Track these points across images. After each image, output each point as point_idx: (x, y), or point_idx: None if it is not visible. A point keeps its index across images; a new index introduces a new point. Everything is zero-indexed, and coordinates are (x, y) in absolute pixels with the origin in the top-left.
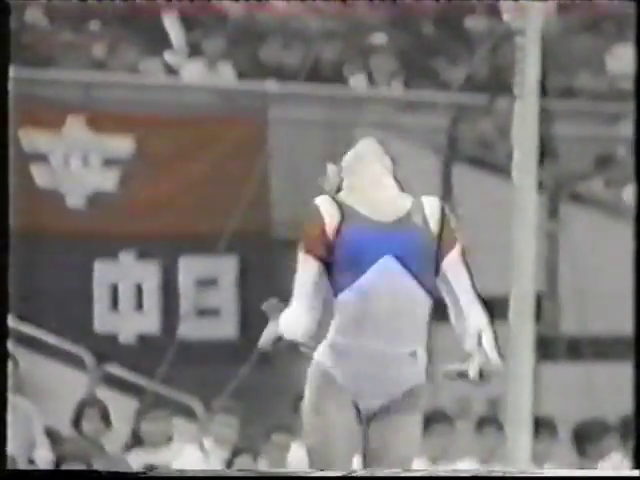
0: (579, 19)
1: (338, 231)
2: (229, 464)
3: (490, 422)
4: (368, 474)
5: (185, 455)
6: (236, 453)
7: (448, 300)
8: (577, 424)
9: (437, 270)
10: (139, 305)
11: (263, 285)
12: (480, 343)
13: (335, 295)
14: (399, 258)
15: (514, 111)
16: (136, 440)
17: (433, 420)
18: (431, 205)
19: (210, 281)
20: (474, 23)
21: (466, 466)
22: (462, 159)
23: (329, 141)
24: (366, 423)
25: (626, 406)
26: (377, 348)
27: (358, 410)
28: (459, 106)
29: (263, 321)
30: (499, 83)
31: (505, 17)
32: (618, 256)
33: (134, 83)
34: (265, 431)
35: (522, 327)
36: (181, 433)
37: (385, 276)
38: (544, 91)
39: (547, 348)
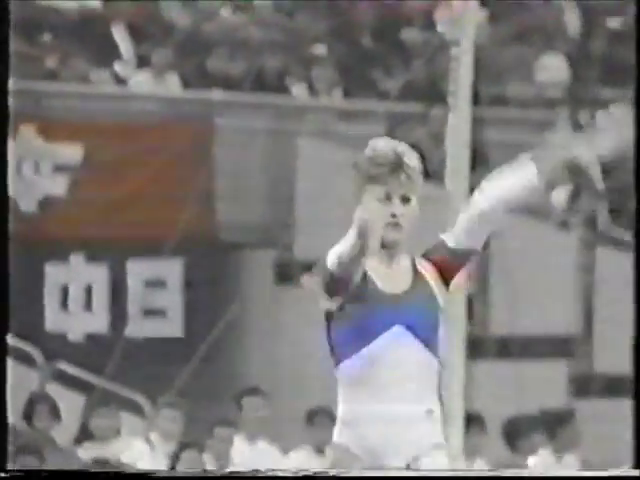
0: (510, 30)
1: (350, 296)
2: (175, 457)
3: None
4: (368, 474)
5: (133, 449)
6: (182, 447)
7: None
8: (506, 420)
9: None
10: (88, 305)
11: (208, 287)
12: None
13: (336, 365)
14: (409, 327)
15: (448, 119)
16: (86, 434)
17: None
18: (424, 265)
19: (157, 283)
20: (410, 35)
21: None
22: None
23: (272, 148)
24: None
25: (554, 402)
26: (389, 410)
27: None
28: (396, 115)
29: (207, 321)
30: (434, 92)
31: (439, 28)
32: (546, 259)
33: (85, 93)
34: (209, 426)
35: (454, 327)
36: (129, 428)
37: (393, 343)
38: (476, 100)
39: (478, 347)
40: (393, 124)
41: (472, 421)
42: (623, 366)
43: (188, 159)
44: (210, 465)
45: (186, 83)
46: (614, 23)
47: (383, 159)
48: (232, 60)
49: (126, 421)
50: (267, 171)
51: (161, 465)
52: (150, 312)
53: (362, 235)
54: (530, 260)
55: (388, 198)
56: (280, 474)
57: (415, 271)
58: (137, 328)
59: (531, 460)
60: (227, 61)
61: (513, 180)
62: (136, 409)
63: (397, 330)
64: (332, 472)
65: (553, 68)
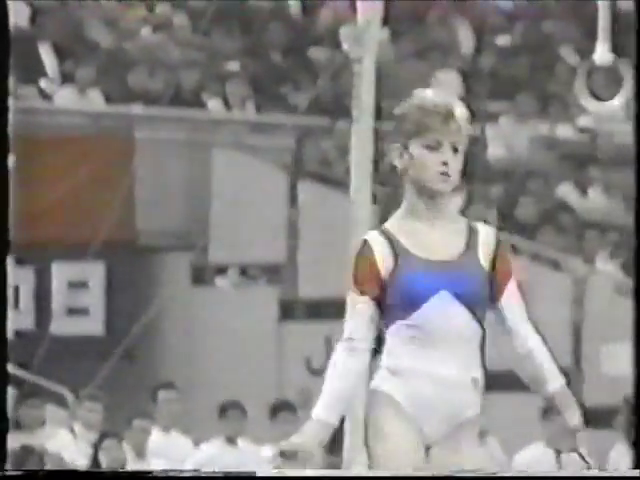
0: (408, 48)
1: (392, 273)
2: (97, 446)
3: None
4: (368, 474)
5: (57, 438)
6: (102, 436)
7: (508, 336)
8: None
9: (491, 299)
10: (16, 304)
11: (128, 288)
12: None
13: (386, 328)
14: (456, 294)
15: (352, 132)
16: (14, 424)
17: (278, 409)
18: (487, 234)
19: (80, 284)
20: (317, 53)
21: None
22: (306, 175)
23: (188, 158)
24: (429, 450)
25: None
26: (438, 371)
27: (421, 436)
28: (304, 127)
29: (127, 320)
30: (339, 107)
31: (344, 47)
32: None
33: (12, 107)
34: (127, 417)
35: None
36: (53, 418)
37: (440, 308)
38: (378, 114)
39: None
40: (301, 136)
41: None
42: None
43: (110, 169)
44: (129, 454)
45: (108, 98)
46: (502, 40)
47: (435, 107)
48: (151, 77)
49: (51, 412)
50: (184, 180)
51: (84, 453)
52: (74, 311)
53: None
54: None
55: (439, 145)
56: (279, 474)
57: (470, 235)
58: (61, 326)
59: None
60: (146, 78)
61: None
62: (60, 401)
63: (443, 295)
64: (333, 472)
65: (447, 83)
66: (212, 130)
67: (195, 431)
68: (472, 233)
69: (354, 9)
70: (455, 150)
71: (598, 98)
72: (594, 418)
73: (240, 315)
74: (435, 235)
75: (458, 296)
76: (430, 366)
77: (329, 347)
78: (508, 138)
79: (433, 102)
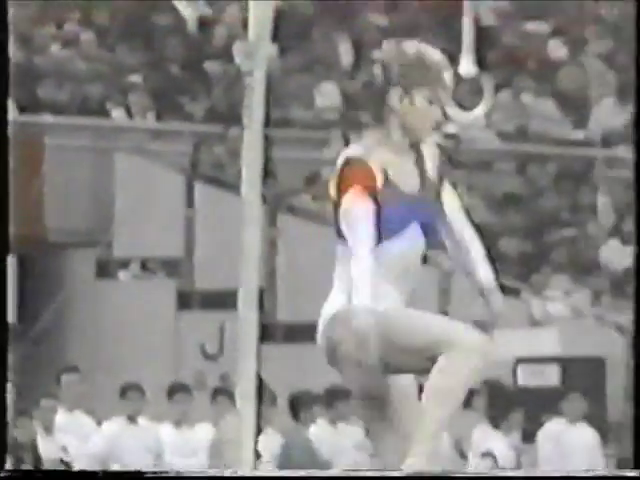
0: (295, 62)
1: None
2: (11, 424)
3: (222, 393)
4: (368, 474)
5: None
6: (15, 414)
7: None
8: (291, 395)
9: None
10: None
11: (38, 280)
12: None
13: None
14: (422, 225)
15: (243, 138)
16: None
17: (175, 390)
18: (429, 150)
19: None
20: (212, 66)
21: (204, 430)
22: (202, 178)
23: (94, 163)
24: None
25: (330, 380)
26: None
27: None
28: (200, 134)
29: (37, 310)
30: (232, 115)
31: (237, 61)
32: (324, 255)
33: None
34: (36, 398)
35: (248, 315)
36: None
37: (408, 242)
38: (267, 122)
39: (267, 332)
40: (197, 142)
41: (265, 396)
42: None
43: (22, 172)
44: (38, 430)
45: (21, 108)
46: (378, 54)
47: (439, 64)
48: (60, 88)
49: None
50: (89, 183)
51: None
52: None
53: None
54: (311, 257)
55: (438, 101)
56: (279, 474)
57: (421, 162)
58: None
59: (312, 428)
60: (55, 89)
61: None
62: None
63: (413, 228)
64: (333, 473)
65: (329, 94)
66: (115, 137)
67: (98, 411)
68: (419, 155)
69: (246, 26)
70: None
71: (462, 107)
72: None
73: (141, 305)
74: (403, 166)
75: (423, 227)
76: (376, 299)
77: (222, 335)
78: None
79: (438, 61)
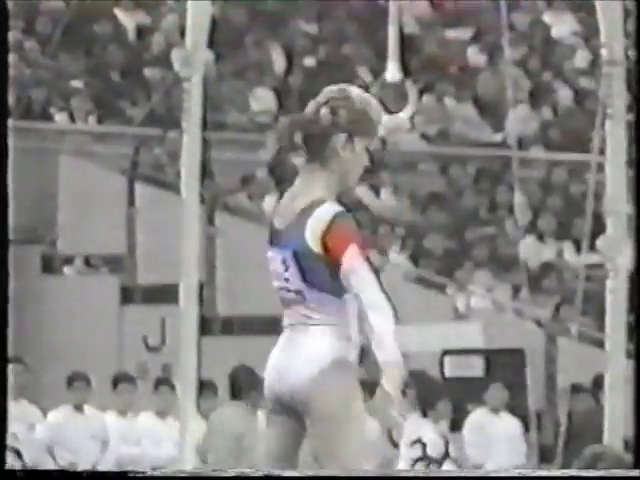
0: (230, 68)
1: None
2: None
3: (165, 383)
4: (368, 474)
5: None
6: None
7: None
8: (231, 384)
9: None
10: None
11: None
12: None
13: (339, 296)
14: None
15: (182, 141)
16: None
17: (119, 380)
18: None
19: None
20: (152, 72)
21: (145, 418)
22: (142, 179)
23: (38, 165)
24: None
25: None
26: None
27: None
28: (140, 137)
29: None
30: (171, 119)
31: (175, 67)
32: (261, 252)
33: None
34: None
35: (189, 309)
36: None
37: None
38: (204, 125)
39: (207, 325)
40: (137, 145)
41: (205, 386)
42: None
43: None
44: None
45: None
46: (310, 61)
47: (378, 114)
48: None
49: None
50: (34, 183)
51: None
52: None
53: None
54: (246, 254)
55: (369, 150)
56: (279, 474)
57: None
58: None
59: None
60: None
61: None
62: None
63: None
64: (333, 473)
65: (263, 99)
66: (59, 140)
67: (44, 400)
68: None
69: (183, 34)
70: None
71: (388, 111)
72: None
73: (85, 300)
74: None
75: None
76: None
77: (164, 327)
78: None
79: (377, 109)
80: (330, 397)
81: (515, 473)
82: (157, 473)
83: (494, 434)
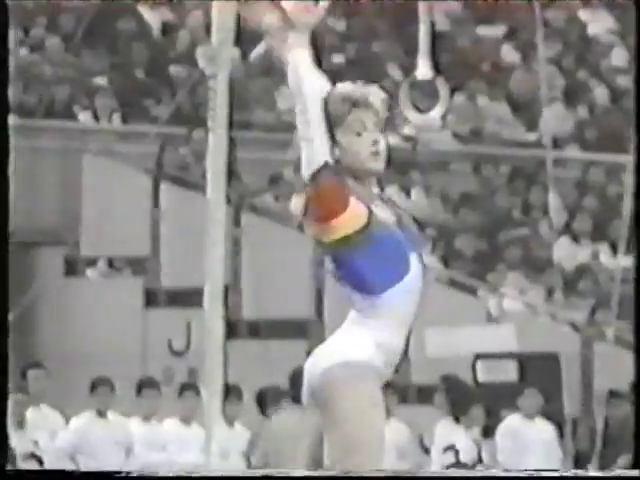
0: (257, 66)
1: (364, 230)
2: None
3: (190, 388)
4: (368, 474)
5: None
6: None
7: None
8: (258, 390)
9: None
10: None
11: (5, 279)
12: None
13: (373, 293)
14: (418, 255)
15: (208, 140)
16: None
17: (144, 385)
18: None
19: None
20: (177, 70)
21: (170, 425)
22: (167, 179)
23: (61, 164)
24: None
25: (296, 374)
26: (401, 342)
27: None
28: (165, 136)
29: (5, 307)
30: (196, 117)
31: (200, 65)
32: (287, 254)
33: None
34: (5, 392)
35: (214, 312)
36: None
37: (418, 274)
38: (230, 124)
39: (233, 329)
40: (162, 144)
41: (231, 392)
42: None
43: None
44: (10, 426)
45: None
46: (337, 59)
47: (351, 95)
48: (26, 91)
49: None
50: (57, 184)
51: None
52: None
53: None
54: (274, 256)
55: (364, 129)
56: (279, 474)
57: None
58: None
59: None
60: (22, 92)
61: None
62: None
63: (414, 258)
64: (333, 472)
65: (290, 97)
66: (82, 139)
67: (67, 406)
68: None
69: (209, 31)
70: (380, 131)
71: (419, 110)
72: (419, 396)
73: (109, 302)
74: (378, 208)
75: (419, 256)
76: (400, 338)
77: (189, 331)
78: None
79: (348, 89)
80: (335, 398)
81: (522, 474)
82: (165, 473)
83: (528, 440)
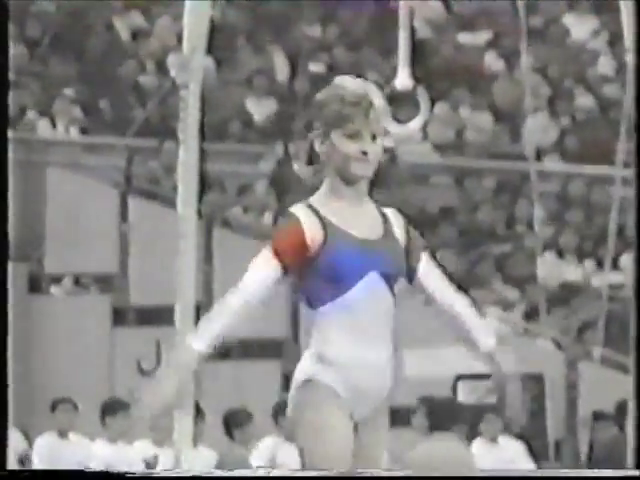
0: (230, 75)
1: (320, 248)
2: None
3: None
4: (369, 474)
5: None
6: None
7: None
8: (226, 412)
9: (409, 278)
10: None
11: None
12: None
13: (313, 308)
14: (383, 274)
15: (179, 152)
16: None
17: (110, 407)
18: (394, 215)
19: None
20: (146, 79)
21: (142, 446)
22: (136, 193)
23: (24, 177)
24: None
25: (271, 398)
26: (366, 354)
27: (352, 418)
28: (133, 148)
29: None
30: (166, 129)
31: (172, 74)
32: None
33: None
34: None
35: (185, 331)
36: None
37: (370, 292)
38: (202, 135)
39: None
40: (131, 156)
41: (197, 413)
42: None
43: None
44: None
45: None
46: (315, 67)
47: (355, 98)
48: None
49: None
50: (20, 197)
51: None
52: None
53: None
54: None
55: (359, 135)
56: (278, 474)
57: (384, 219)
58: None
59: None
60: None
61: None
62: None
63: (373, 277)
64: (332, 472)
65: (266, 107)
66: (46, 151)
67: (30, 426)
68: (383, 214)
69: (180, 38)
70: (374, 138)
71: (398, 121)
72: (397, 418)
73: (75, 321)
74: (357, 214)
75: (384, 276)
76: (361, 352)
77: (159, 350)
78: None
79: (353, 93)
80: (293, 419)
81: (514, 473)
82: (165, 473)
83: (508, 462)
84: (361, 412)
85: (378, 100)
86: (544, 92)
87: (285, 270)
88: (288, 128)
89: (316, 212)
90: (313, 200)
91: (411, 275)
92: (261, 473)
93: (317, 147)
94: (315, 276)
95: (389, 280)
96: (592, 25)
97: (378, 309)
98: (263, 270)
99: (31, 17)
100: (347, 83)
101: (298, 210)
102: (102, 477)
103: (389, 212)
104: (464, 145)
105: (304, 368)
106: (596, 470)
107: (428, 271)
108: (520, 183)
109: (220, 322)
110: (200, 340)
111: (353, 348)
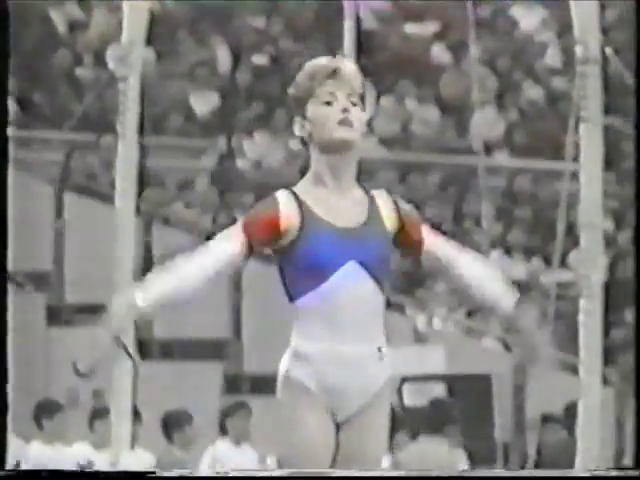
0: (171, 67)
1: (297, 236)
2: None
3: (99, 412)
4: (368, 474)
5: None
6: None
7: (451, 274)
8: (165, 414)
9: (417, 252)
10: None
11: None
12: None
13: (292, 300)
14: (362, 263)
15: (117, 147)
16: None
17: (45, 407)
18: (384, 198)
19: None
20: (83, 72)
21: (80, 449)
22: (72, 188)
23: None
24: (339, 429)
25: (213, 399)
26: (345, 350)
27: (333, 417)
28: (71, 143)
29: None
30: (105, 123)
31: (110, 66)
32: None
33: None
34: None
35: (127, 334)
36: None
37: (349, 281)
38: (142, 129)
39: (144, 349)
40: (69, 151)
41: (135, 415)
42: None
43: None
44: None
45: None
46: (258, 59)
47: (319, 67)
48: None
49: None
50: None
51: None
52: None
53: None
54: None
55: (334, 98)
56: (278, 474)
57: (371, 203)
58: None
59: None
60: None
61: None
62: None
63: (351, 266)
64: (331, 472)
65: (208, 100)
66: None
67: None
68: (371, 199)
69: (120, 30)
70: (353, 104)
71: None
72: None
73: (8, 320)
74: (340, 202)
75: (364, 265)
76: (339, 345)
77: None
78: (263, 152)
79: (321, 64)
80: (276, 414)
81: (519, 474)
82: (165, 473)
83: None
84: (345, 411)
85: (347, 65)
86: (492, 85)
87: (251, 248)
88: (231, 122)
89: (297, 199)
90: (297, 187)
91: (418, 248)
92: (261, 473)
93: (298, 131)
94: (293, 266)
95: (371, 269)
96: (541, 16)
97: (357, 300)
98: (227, 242)
99: None
100: (315, 61)
101: (280, 194)
102: (102, 477)
103: (377, 194)
104: (410, 139)
105: (282, 364)
106: (596, 470)
107: (434, 240)
108: (467, 178)
109: (169, 282)
110: (144, 297)
111: (329, 342)
